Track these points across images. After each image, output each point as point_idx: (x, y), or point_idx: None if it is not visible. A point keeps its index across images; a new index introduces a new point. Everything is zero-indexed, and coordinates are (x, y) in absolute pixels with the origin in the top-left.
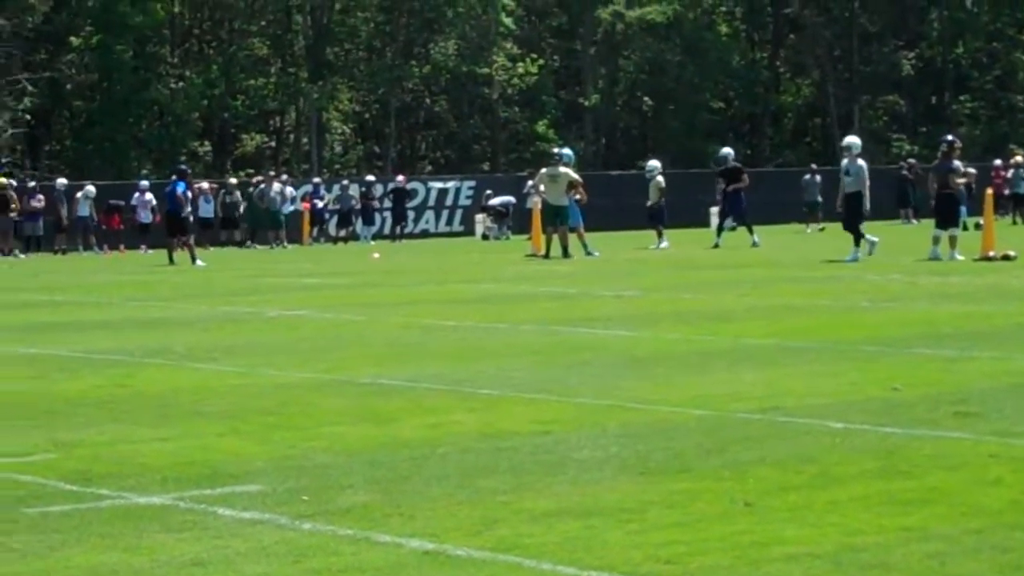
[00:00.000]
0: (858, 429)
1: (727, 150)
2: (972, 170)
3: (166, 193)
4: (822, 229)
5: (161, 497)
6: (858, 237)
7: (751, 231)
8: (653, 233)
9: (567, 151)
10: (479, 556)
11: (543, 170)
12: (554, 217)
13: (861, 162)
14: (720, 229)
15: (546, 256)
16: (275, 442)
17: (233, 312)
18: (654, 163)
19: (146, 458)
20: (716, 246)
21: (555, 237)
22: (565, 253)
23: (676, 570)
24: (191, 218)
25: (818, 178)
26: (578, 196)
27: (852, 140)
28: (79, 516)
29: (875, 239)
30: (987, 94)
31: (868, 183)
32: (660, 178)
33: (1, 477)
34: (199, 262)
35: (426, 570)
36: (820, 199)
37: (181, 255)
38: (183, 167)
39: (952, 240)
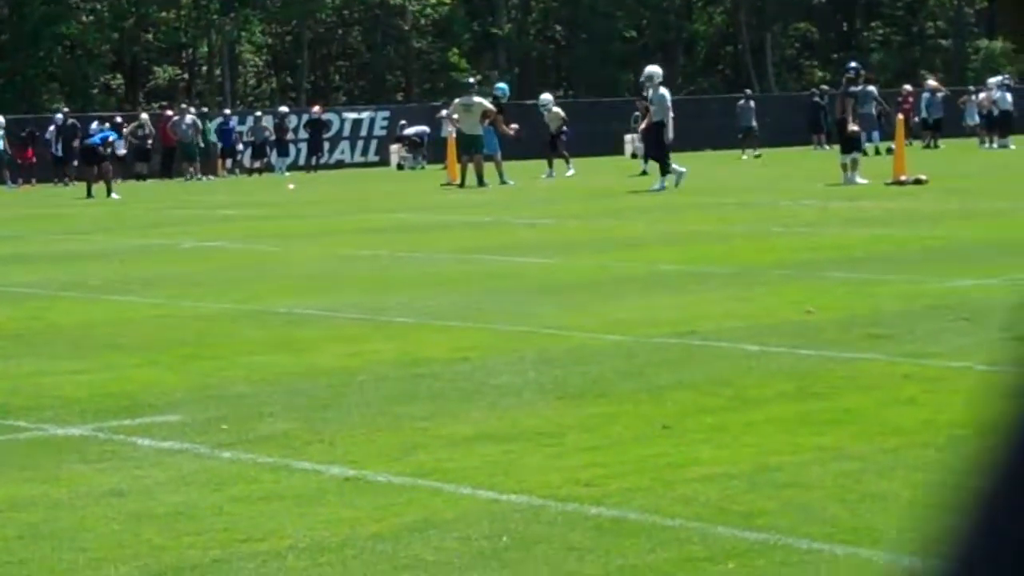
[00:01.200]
0: (773, 352)
1: (654, 68)
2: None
3: (98, 137)
4: (758, 155)
5: (80, 428)
6: (664, 167)
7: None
8: (559, 161)
9: (502, 85)
10: (399, 482)
11: (457, 100)
12: (468, 146)
13: (663, 91)
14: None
15: (461, 185)
16: (193, 372)
17: (148, 244)
18: (546, 96)
19: (64, 390)
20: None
21: (470, 166)
22: (480, 182)
23: (594, 492)
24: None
25: (752, 103)
26: (512, 129)
27: (652, 69)
28: None
29: (683, 169)
30: (898, 20)
31: (671, 113)
32: (556, 108)
33: None
34: (114, 195)
35: (347, 496)
36: (755, 124)
37: (98, 188)
38: (119, 120)
39: (852, 163)
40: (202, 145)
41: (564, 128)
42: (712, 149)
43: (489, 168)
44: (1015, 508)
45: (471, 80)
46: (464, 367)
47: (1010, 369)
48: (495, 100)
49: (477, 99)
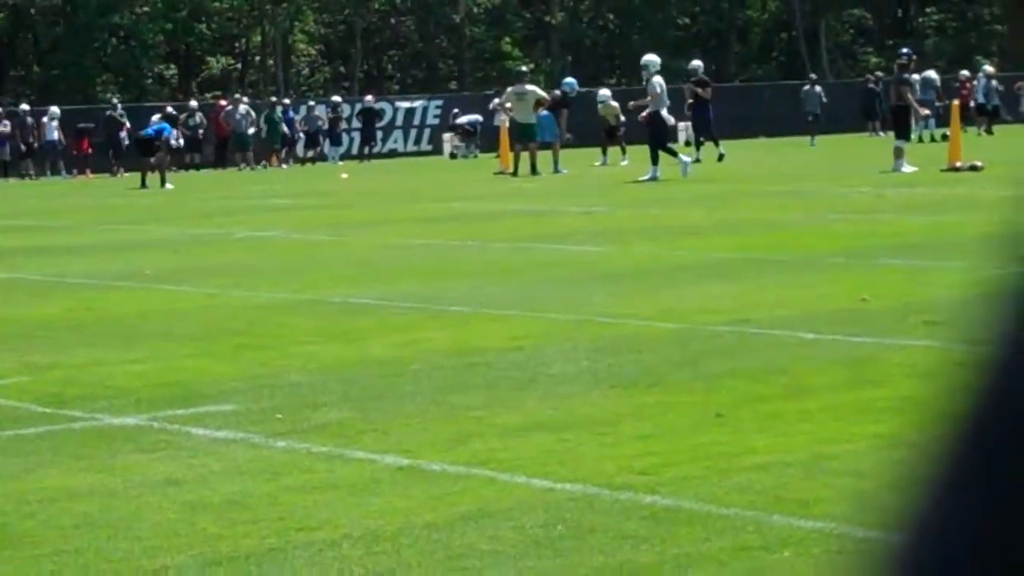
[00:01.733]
0: (828, 340)
1: (697, 63)
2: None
3: (152, 129)
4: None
5: (134, 418)
6: (656, 156)
7: (717, 144)
8: (614, 150)
9: (571, 80)
10: (453, 471)
11: (510, 88)
12: (522, 135)
13: (656, 79)
14: (699, 143)
15: (514, 174)
16: (247, 362)
17: (202, 234)
18: (604, 92)
19: (118, 380)
20: (697, 160)
21: (523, 155)
22: (533, 170)
23: (649, 481)
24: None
25: (818, 89)
26: (567, 139)
27: (649, 58)
28: (53, 438)
29: (687, 159)
30: (953, 6)
31: (667, 101)
32: (612, 102)
33: None
34: (168, 185)
35: (401, 485)
36: (819, 110)
37: (152, 179)
38: (173, 112)
39: (898, 151)
40: (277, 132)
41: (622, 120)
42: (766, 136)
43: (543, 156)
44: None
45: (523, 69)
46: (518, 356)
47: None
48: (563, 95)
49: (530, 87)
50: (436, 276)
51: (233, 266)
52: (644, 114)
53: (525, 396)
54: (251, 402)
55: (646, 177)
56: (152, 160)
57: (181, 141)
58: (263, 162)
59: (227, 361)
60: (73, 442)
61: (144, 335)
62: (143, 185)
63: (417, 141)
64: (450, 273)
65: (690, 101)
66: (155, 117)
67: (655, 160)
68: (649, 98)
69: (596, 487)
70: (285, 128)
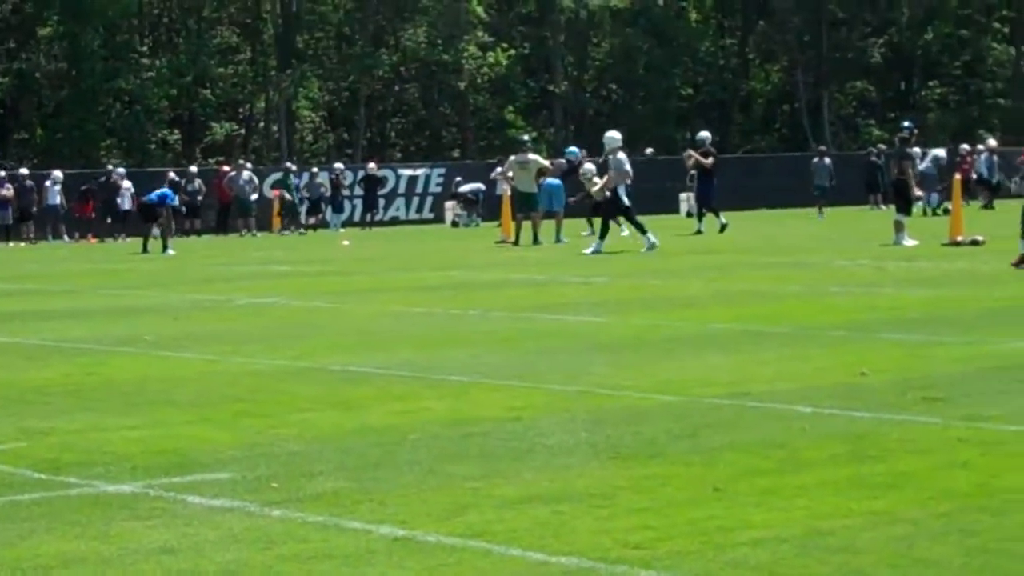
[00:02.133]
0: (827, 414)
1: (704, 134)
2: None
3: (155, 195)
4: (821, 215)
5: (131, 485)
6: (605, 230)
7: (717, 215)
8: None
9: (574, 149)
10: (449, 542)
11: (512, 157)
12: (524, 204)
13: (621, 156)
14: (700, 215)
15: (515, 243)
16: (244, 429)
17: (202, 300)
18: (589, 167)
19: (115, 446)
20: (699, 232)
21: (525, 223)
22: (535, 239)
23: (644, 555)
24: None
25: (827, 161)
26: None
27: (611, 135)
28: (48, 504)
29: (654, 239)
30: (956, 80)
31: (629, 176)
32: (597, 178)
33: None
34: (170, 251)
35: (396, 556)
36: (828, 184)
37: (154, 244)
38: (175, 178)
39: (899, 225)
40: (289, 198)
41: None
42: (767, 208)
43: (547, 225)
44: None
45: (525, 137)
46: (516, 427)
47: None
48: (568, 164)
49: (532, 156)
50: (436, 345)
51: (233, 333)
52: (598, 189)
53: (522, 467)
54: (247, 470)
55: (590, 251)
56: (155, 226)
57: (184, 208)
58: (291, 227)
59: (225, 428)
60: (69, 509)
61: (143, 401)
62: (145, 250)
63: (419, 209)
64: (450, 342)
65: (692, 172)
66: (167, 184)
67: (603, 235)
68: (610, 175)
69: (591, 561)
70: (296, 195)
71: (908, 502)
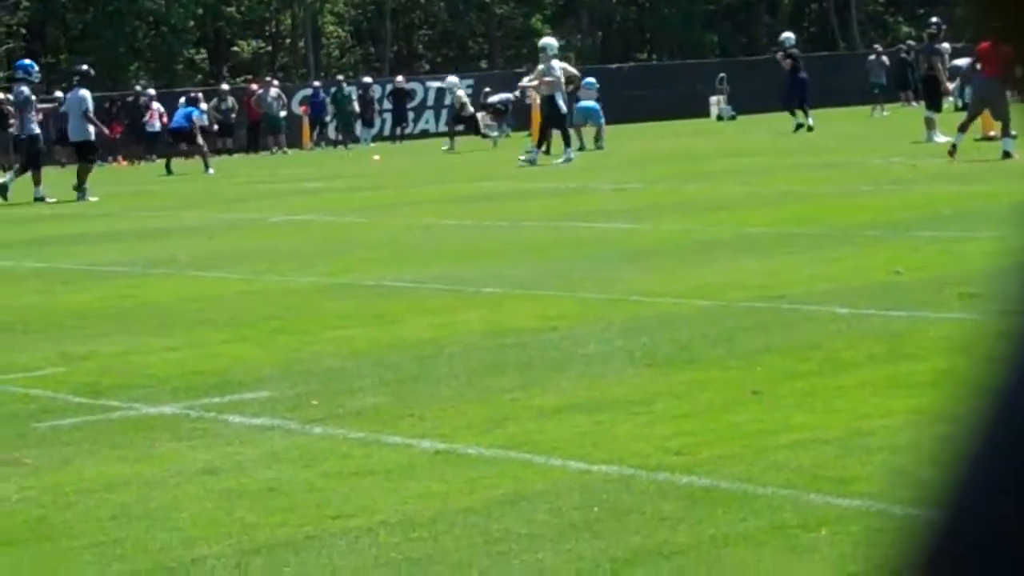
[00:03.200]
0: (863, 314)
1: (788, 34)
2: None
3: (181, 118)
4: (886, 113)
5: (171, 407)
6: (567, 136)
7: (807, 114)
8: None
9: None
10: (490, 454)
11: (539, 66)
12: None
13: (554, 63)
14: (795, 110)
15: (546, 151)
16: (282, 347)
17: (236, 219)
18: (452, 79)
19: (154, 368)
20: (800, 127)
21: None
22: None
23: (685, 461)
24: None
25: (884, 59)
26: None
27: (547, 41)
28: (90, 428)
29: (572, 155)
30: None
31: (563, 87)
32: (460, 91)
33: (12, 392)
34: (211, 170)
35: (438, 470)
36: (885, 81)
37: (183, 164)
38: (194, 94)
39: (929, 122)
40: (347, 111)
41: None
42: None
43: (587, 132)
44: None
45: (546, 41)
46: (552, 336)
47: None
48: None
49: (557, 64)
50: (469, 257)
51: (268, 251)
52: (535, 96)
53: (560, 377)
54: (287, 388)
55: (560, 161)
56: (195, 146)
57: (215, 127)
58: (345, 142)
59: (262, 347)
60: (110, 432)
61: (180, 322)
62: (168, 171)
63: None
64: (483, 254)
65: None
66: (181, 101)
67: (567, 141)
68: (544, 80)
69: (632, 468)
70: (356, 106)
71: (947, 399)
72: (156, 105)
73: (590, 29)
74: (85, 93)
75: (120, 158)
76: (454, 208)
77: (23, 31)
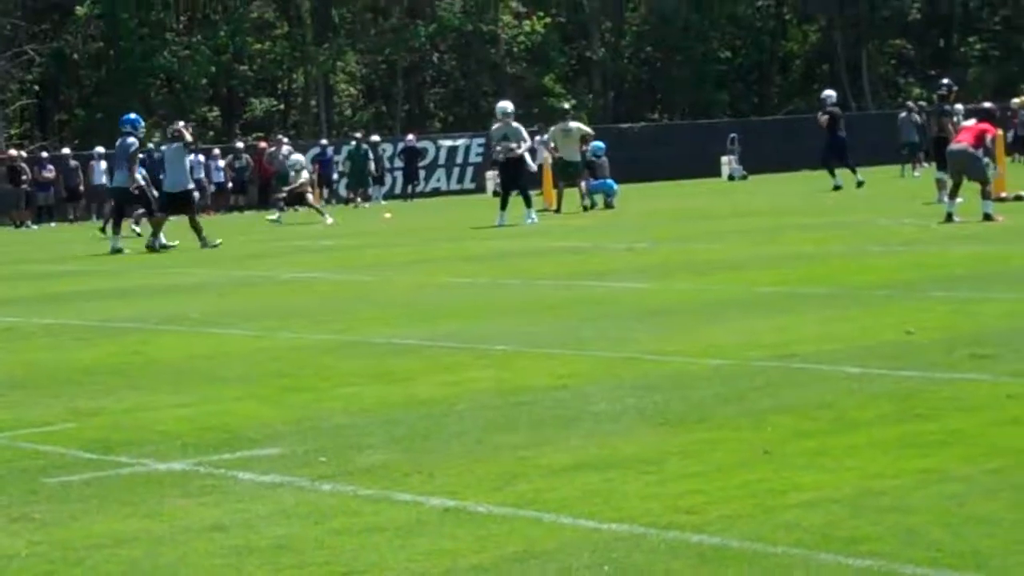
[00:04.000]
0: (874, 374)
1: (830, 92)
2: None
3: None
4: (917, 174)
5: (181, 463)
6: (527, 199)
7: (854, 171)
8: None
9: (600, 144)
10: (499, 512)
11: (554, 126)
12: (567, 172)
13: (516, 124)
14: (832, 169)
15: (557, 211)
16: (292, 405)
17: (247, 276)
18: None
19: (165, 425)
20: (838, 188)
21: (567, 191)
22: (584, 206)
23: (696, 520)
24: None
25: (916, 117)
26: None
27: (504, 105)
28: (99, 484)
29: (534, 219)
30: (996, 35)
31: (527, 144)
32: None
33: (22, 447)
34: (215, 241)
35: (447, 527)
36: (918, 139)
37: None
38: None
39: (940, 183)
40: (363, 169)
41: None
42: (809, 170)
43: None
44: None
45: (566, 105)
46: (563, 394)
47: None
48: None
49: (575, 124)
50: (480, 315)
51: (278, 308)
52: (548, 158)
53: (570, 435)
54: (296, 445)
55: (529, 221)
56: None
57: (230, 184)
58: (355, 200)
59: (272, 404)
60: (119, 488)
61: (190, 379)
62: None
63: (460, 179)
64: (494, 311)
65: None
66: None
67: (528, 202)
68: (512, 142)
69: (642, 526)
70: (372, 165)
71: (959, 460)
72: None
73: (602, 89)
74: (180, 146)
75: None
76: (466, 266)
77: (36, 88)
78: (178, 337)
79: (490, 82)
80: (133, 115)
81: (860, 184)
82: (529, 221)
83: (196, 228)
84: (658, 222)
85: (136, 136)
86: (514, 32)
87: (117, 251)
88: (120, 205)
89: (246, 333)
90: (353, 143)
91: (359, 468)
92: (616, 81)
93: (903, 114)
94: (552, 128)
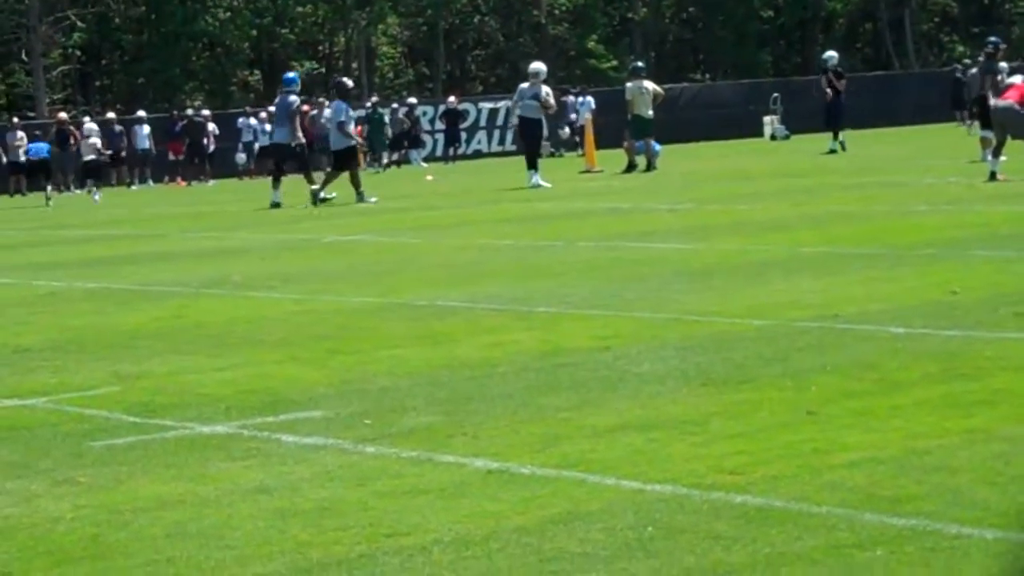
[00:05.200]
0: (918, 333)
1: (831, 53)
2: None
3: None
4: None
5: (224, 426)
6: (534, 163)
7: (837, 136)
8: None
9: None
10: (543, 473)
11: (629, 84)
12: (640, 128)
13: (546, 88)
14: (836, 132)
15: (630, 167)
16: (335, 367)
17: (289, 240)
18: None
19: (208, 388)
20: (833, 151)
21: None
22: (649, 166)
23: (740, 480)
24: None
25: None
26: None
27: (538, 66)
28: (144, 448)
29: (546, 184)
30: None
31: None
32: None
33: (67, 411)
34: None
35: (491, 489)
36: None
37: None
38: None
39: (985, 141)
40: (381, 134)
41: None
42: (853, 128)
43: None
44: None
45: (639, 64)
46: (606, 356)
47: None
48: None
49: (649, 83)
50: (522, 276)
51: (320, 271)
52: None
53: (614, 396)
54: (339, 408)
55: (531, 184)
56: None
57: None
58: (375, 164)
59: (315, 367)
60: (164, 451)
61: (233, 342)
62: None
63: (501, 141)
64: (536, 273)
65: (827, 91)
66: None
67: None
68: (536, 103)
69: (686, 487)
70: (389, 130)
71: (1003, 419)
72: (211, 126)
73: (643, 50)
74: (342, 104)
75: (179, 179)
76: (508, 228)
77: (79, 53)
78: (220, 301)
79: (531, 44)
80: (292, 74)
81: (832, 151)
82: (534, 183)
83: (355, 183)
84: (700, 183)
85: (295, 93)
86: None
87: (276, 205)
88: (280, 161)
89: (288, 296)
90: (369, 107)
91: (402, 430)
92: (658, 42)
93: (974, 70)
94: (628, 85)
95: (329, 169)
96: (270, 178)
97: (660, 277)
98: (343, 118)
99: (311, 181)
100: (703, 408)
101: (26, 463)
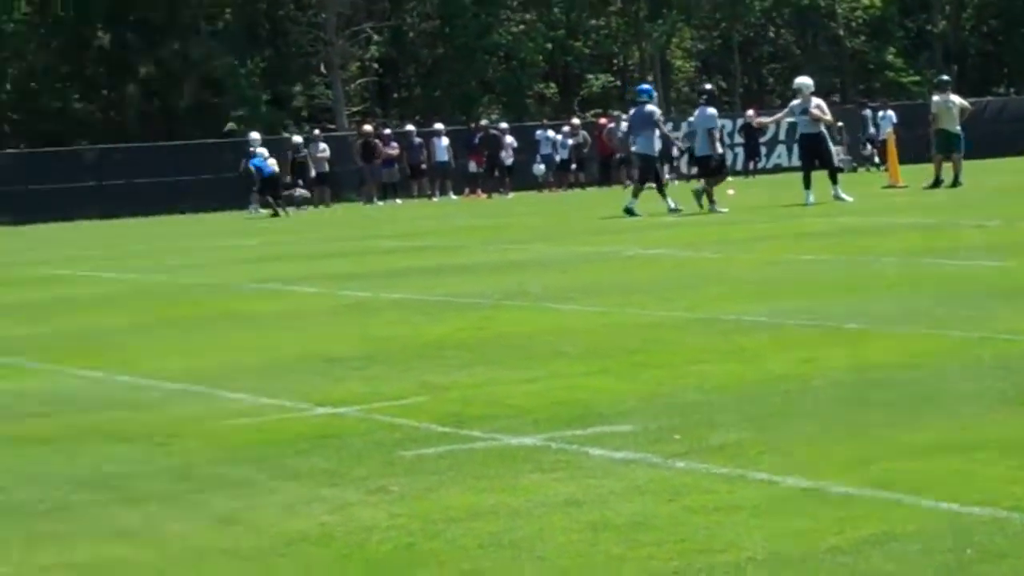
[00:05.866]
0: None
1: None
2: None
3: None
4: None
5: (533, 438)
6: (833, 175)
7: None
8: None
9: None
10: (857, 493)
11: (936, 97)
12: (948, 144)
13: (817, 100)
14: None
15: (936, 183)
16: (643, 381)
17: (590, 252)
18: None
19: (515, 399)
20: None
21: (946, 164)
22: (955, 181)
23: None
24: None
25: None
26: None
27: (804, 81)
28: (453, 458)
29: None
30: None
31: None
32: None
33: (378, 420)
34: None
35: (804, 507)
36: None
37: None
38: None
39: None
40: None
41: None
42: None
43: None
44: None
45: (945, 78)
46: (918, 373)
47: None
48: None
49: (955, 97)
50: (827, 292)
51: (621, 284)
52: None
53: (928, 414)
54: (648, 422)
55: (839, 196)
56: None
57: (573, 165)
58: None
59: (624, 380)
60: (474, 462)
61: (537, 354)
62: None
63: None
64: (841, 289)
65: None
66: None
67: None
68: (808, 118)
69: (1006, 511)
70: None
71: None
72: (509, 139)
73: (945, 62)
74: (712, 112)
75: (479, 190)
76: (809, 243)
77: (375, 66)
78: (522, 312)
79: (829, 56)
80: (647, 85)
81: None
82: (838, 196)
83: (708, 193)
84: (1008, 198)
85: (654, 104)
86: (851, 5)
87: (675, 211)
88: (645, 170)
89: (589, 309)
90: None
91: (712, 446)
92: (959, 55)
93: None
94: (934, 98)
95: (703, 180)
96: (630, 186)
97: (970, 295)
98: (712, 125)
99: (663, 195)
100: (1023, 430)
101: (339, 471)
